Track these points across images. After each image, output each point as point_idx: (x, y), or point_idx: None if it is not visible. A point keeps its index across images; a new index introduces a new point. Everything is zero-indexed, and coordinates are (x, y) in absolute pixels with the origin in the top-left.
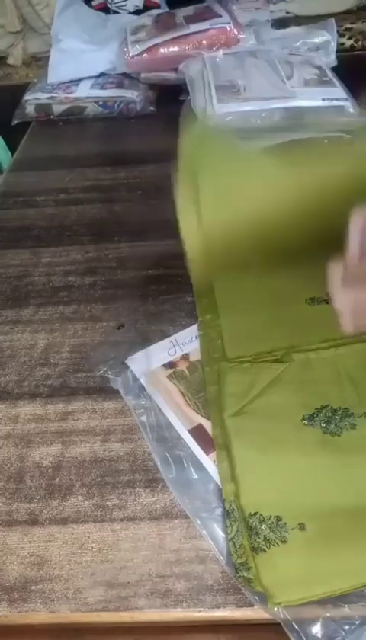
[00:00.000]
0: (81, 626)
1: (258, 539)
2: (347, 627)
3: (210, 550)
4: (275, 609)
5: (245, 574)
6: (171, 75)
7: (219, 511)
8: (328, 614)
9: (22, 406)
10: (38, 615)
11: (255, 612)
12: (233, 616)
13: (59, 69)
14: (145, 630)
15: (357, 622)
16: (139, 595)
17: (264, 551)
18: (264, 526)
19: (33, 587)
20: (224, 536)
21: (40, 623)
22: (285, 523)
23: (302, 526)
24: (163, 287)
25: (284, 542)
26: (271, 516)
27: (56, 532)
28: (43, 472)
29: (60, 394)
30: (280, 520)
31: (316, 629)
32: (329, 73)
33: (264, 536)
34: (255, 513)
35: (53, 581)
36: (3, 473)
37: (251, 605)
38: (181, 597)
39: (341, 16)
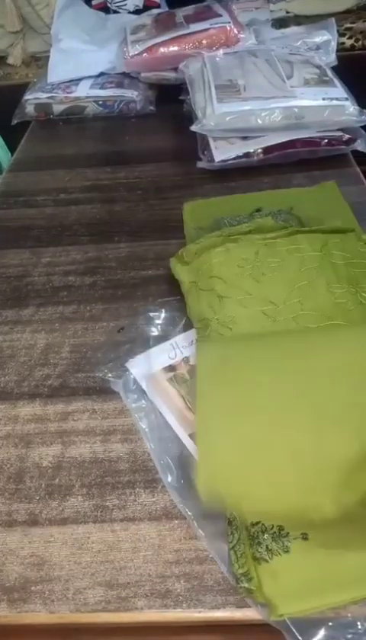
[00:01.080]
0: (81, 627)
1: (260, 549)
2: (350, 636)
3: (210, 551)
4: None
5: (247, 585)
6: (171, 75)
7: (219, 516)
8: (330, 623)
9: (22, 406)
10: (38, 615)
11: (255, 613)
12: (233, 617)
13: (58, 69)
14: (145, 630)
15: (360, 631)
16: (139, 595)
17: (267, 561)
18: (266, 535)
19: (33, 588)
20: (225, 541)
21: (40, 623)
22: (288, 533)
23: (305, 536)
24: (163, 287)
25: (287, 552)
26: (273, 526)
27: (55, 533)
28: (43, 472)
29: (60, 394)
30: (283, 529)
31: (319, 638)
32: (329, 72)
33: (267, 545)
34: (257, 523)
35: (53, 582)
36: (3, 473)
37: (251, 606)
38: (180, 598)
39: (342, 15)
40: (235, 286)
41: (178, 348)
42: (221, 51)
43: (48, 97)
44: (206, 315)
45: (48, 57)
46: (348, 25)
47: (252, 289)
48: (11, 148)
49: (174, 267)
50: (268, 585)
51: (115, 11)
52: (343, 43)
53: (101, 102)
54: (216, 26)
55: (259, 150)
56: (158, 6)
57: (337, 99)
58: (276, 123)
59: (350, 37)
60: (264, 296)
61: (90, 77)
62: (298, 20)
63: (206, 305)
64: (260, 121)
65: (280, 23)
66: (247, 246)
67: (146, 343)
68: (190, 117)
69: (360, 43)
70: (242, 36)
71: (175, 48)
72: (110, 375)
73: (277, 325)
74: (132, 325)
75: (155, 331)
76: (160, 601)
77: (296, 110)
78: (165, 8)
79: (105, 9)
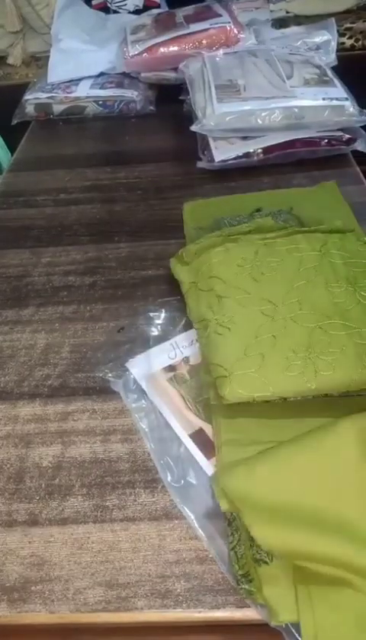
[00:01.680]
0: (81, 627)
1: (260, 551)
2: None
3: (210, 551)
4: None
5: (247, 587)
6: (171, 75)
7: (220, 517)
8: None
9: (22, 406)
10: (38, 615)
11: (255, 613)
12: (233, 617)
13: (58, 69)
14: (144, 630)
15: None
16: (139, 595)
17: (267, 563)
18: None
19: (33, 588)
20: (225, 541)
21: (40, 623)
22: None
23: None
24: (163, 287)
25: None
26: None
27: (55, 533)
28: (43, 472)
29: (60, 394)
30: None
31: None
32: (329, 72)
33: None
34: None
35: (53, 582)
36: (3, 473)
37: (251, 606)
38: (180, 598)
39: (342, 15)
40: (234, 285)
41: (178, 348)
42: (221, 51)
43: (48, 97)
44: (205, 315)
45: (48, 57)
46: (348, 25)
47: (251, 288)
48: (11, 148)
49: (174, 268)
50: (269, 589)
51: (115, 11)
52: (343, 43)
53: (101, 102)
54: (216, 26)
55: (259, 150)
56: (158, 6)
57: (337, 99)
58: (276, 123)
59: (350, 37)
60: (263, 296)
61: (90, 77)
62: (298, 20)
63: (205, 305)
64: (260, 121)
65: (280, 23)
66: (247, 246)
67: (146, 343)
68: (190, 117)
69: (360, 43)
70: (242, 36)
71: (175, 48)
72: (110, 375)
73: (276, 324)
74: (132, 325)
75: (155, 331)
76: (160, 601)
77: (296, 110)
78: (165, 8)
79: (105, 9)
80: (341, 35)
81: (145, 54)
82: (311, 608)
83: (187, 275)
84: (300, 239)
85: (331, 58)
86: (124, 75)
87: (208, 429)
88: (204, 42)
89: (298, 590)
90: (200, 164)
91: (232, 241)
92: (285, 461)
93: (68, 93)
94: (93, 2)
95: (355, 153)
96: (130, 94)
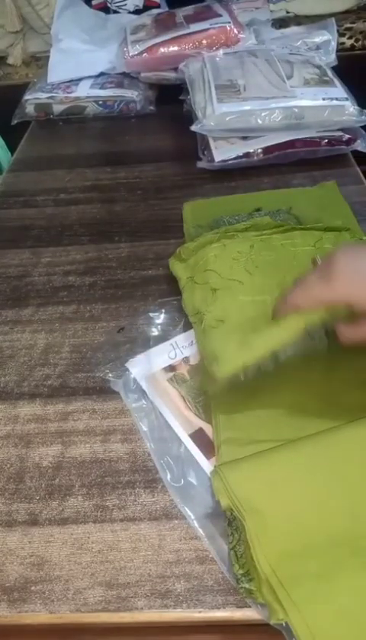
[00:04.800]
0: (81, 627)
1: None
2: None
3: (210, 551)
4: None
5: (247, 586)
6: (171, 75)
7: (220, 517)
8: None
9: (22, 406)
10: (38, 615)
11: (255, 613)
12: (233, 617)
13: (58, 69)
14: (145, 631)
15: None
16: (139, 595)
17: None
18: None
19: (33, 588)
20: (225, 541)
21: (40, 624)
22: None
23: None
24: (163, 287)
25: None
26: None
27: (55, 533)
28: (43, 472)
29: (60, 394)
30: None
31: None
32: (330, 73)
33: None
34: None
35: (53, 582)
36: (3, 473)
37: (251, 606)
38: (181, 598)
39: (342, 15)
40: (228, 278)
41: (178, 348)
42: (221, 51)
43: (48, 97)
44: (200, 308)
45: (48, 57)
46: (348, 25)
47: (245, 280)
48: (11, 148)
49: (172, 265)
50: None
51: (115, 11)
52: (343, 43)
53: (101, 102)
54: (216, 26)
55: (259, 150)
56: (158, 6)
57: (337, 99)
58: (276, 123)
59: (350, 37)
60: (255, 288)
61: (90, 77)
62: (298, 20)
63: (200, 298)
64: (260, 121)
65: (280, 23)
66: (243, 241)
67: (146, 343)
68: (190, 117)
69: (360, 43)
70: (242, 36)
71: (175, 48)
72: (110, 375)
73: (267, 318)
74: (132, 325)
75: (155, 331)
76: (160, 601)
77: (296, 110)
78: (165, 8)
79: (105, 9)
80: (341, 35)
81: (145, 54)
82: (297, 609)
83: (184, 271)
84: (296, 235)
85: (331, 58)
86: (124, 75)
87: (208, 429)
88: (204, 42)
89: (279, 595)
90: (200, 164)
91: (229, 238)
92: (289, 468)
93: (68, 93)
94: (93, 2)
95: (355, 153)
96: (130, 94)
